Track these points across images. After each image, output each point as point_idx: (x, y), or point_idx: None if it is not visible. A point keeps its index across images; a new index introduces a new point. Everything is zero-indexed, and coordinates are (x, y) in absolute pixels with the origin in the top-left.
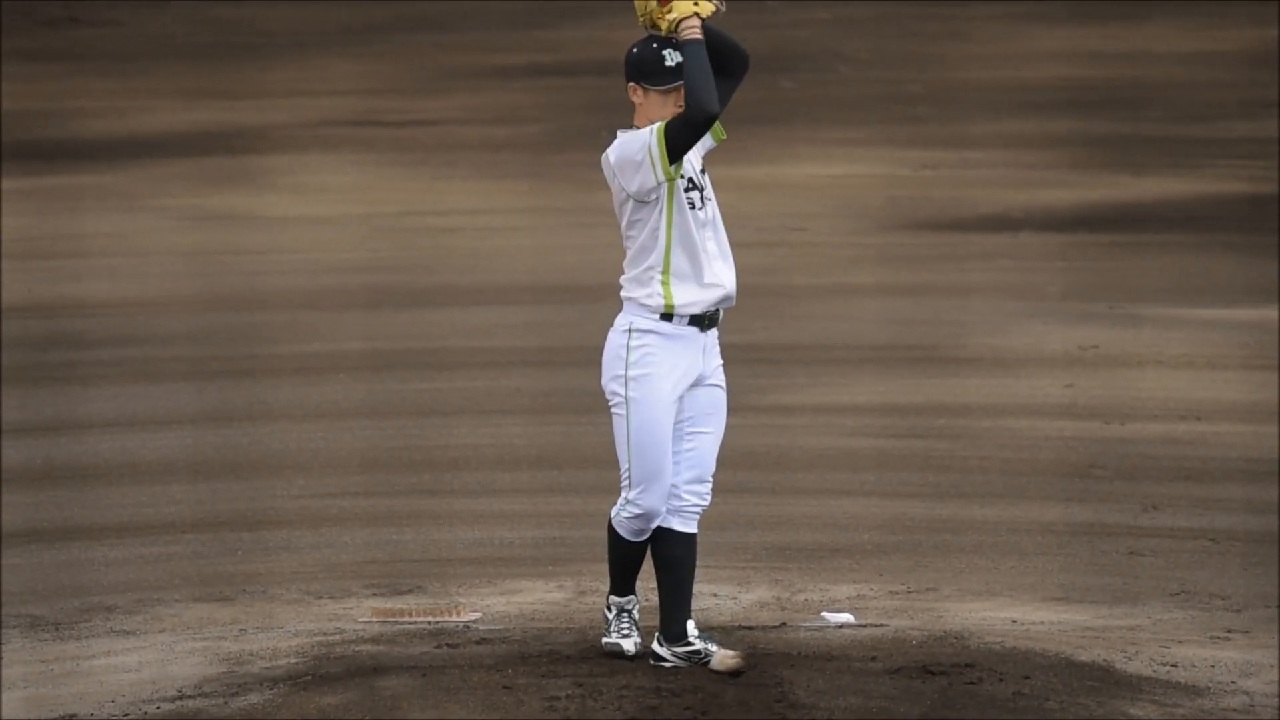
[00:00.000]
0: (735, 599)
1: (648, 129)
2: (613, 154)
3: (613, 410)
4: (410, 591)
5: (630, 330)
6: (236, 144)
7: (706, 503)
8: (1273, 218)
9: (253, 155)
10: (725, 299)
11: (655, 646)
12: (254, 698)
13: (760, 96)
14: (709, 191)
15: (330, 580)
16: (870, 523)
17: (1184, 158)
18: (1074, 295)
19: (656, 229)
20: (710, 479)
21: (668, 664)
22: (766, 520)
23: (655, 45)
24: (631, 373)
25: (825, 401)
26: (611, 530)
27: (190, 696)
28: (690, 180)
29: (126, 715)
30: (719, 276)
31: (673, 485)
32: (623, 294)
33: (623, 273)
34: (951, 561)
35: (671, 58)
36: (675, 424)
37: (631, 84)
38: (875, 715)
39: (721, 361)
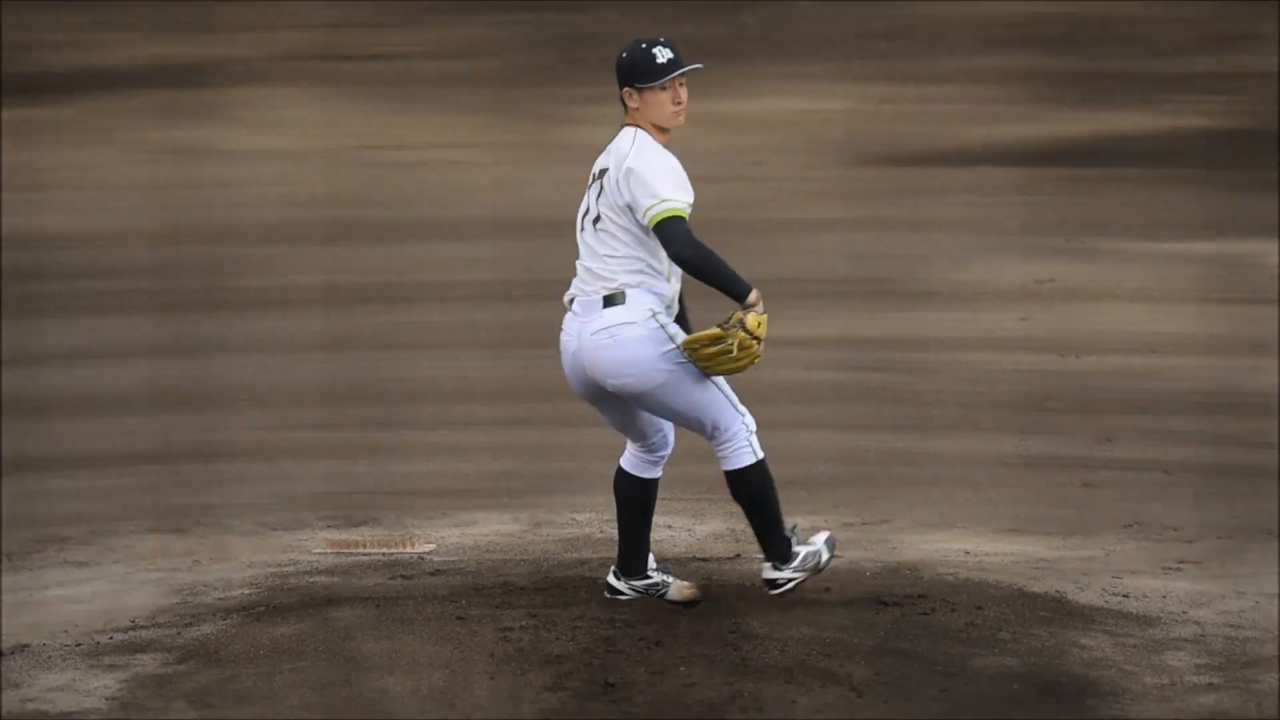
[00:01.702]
0: (690, 531)
1: (660, 199)
2: (634, 164)
3: (663, 385)
4: (365, 523)
5: (655, 315)
6: (197, 77)
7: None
8: (1229, 152)
9: (214, 89)
10: None
11: (612, 580)
12: (207, 628)
13: (721, 31)
14: None
15: (285, 512)
16: (826, 455)
17: (1143, 93)
18: (1032, 229)
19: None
20: None
21: (624, 596)
22: None
23: (644, 45)
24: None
25: (783, 335)
26: (750, 476)
27: (143, 627)
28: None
29: (79, 645)
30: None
31: (652, 437)
32: (624, 281)
33: (612, 259)
34: (906, 493)
35: (662, 54)
36: None
37: (626, 89)
38: (828, 646)
39: None
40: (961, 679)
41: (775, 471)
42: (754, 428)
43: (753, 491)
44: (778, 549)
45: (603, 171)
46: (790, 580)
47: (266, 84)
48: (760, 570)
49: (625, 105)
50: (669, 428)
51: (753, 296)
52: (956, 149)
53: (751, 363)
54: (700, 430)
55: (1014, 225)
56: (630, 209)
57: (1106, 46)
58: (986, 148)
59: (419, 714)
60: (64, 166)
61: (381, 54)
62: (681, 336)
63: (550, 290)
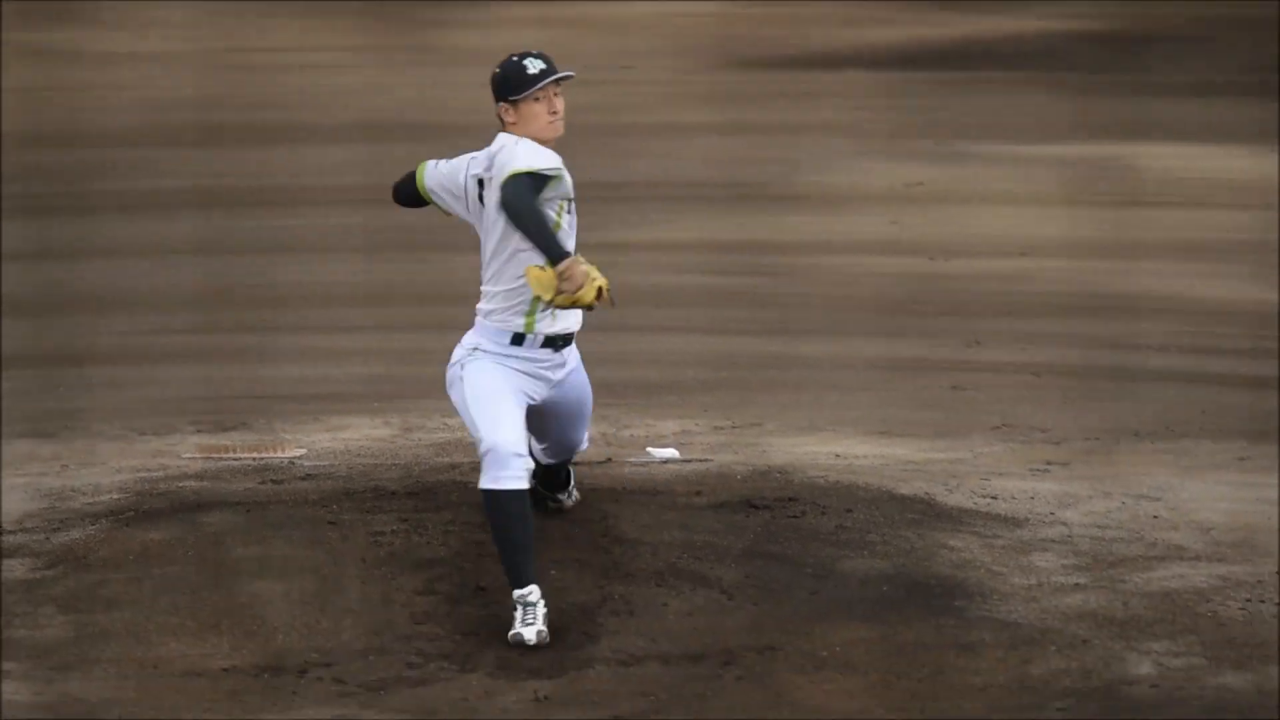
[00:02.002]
0: None
1: (514, 168)
2: (503, 155)
3: (452, 393)
4: (235, 428)
5: (473, 352)
6: None
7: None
8: (1098, 56)
9: None
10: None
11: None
12: (76, 533)
13: None
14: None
15: (154, 417)
16: (696, 359)
17: None
18: (900, 133)
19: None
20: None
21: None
22: (593, 357)
23: (515, 59)
24: (464, 360)
25: (652, 239)
26: (485, 500)
27: (11, 532)
28: (571, 203)
29: None
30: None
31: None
32: (478, 307)
33: (484, 285)
34: (776, 397)
35: (534, 65)
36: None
37: (502, 105)
38: (699, 549)
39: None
40: (831, 581)
41: (644, 375)
42: (501, 449)
43: (488, 518)
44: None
45: (481, 182)
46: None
47: None
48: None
49: (503, 121)
50: (551, 443)
51: (563, 265)
52: (825, 52)
53: (578, 297)
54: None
55: (883, 129)
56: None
57: None
58: (855, 51)
59: (290, 617)
60: None
61: None
62: (481, 374)
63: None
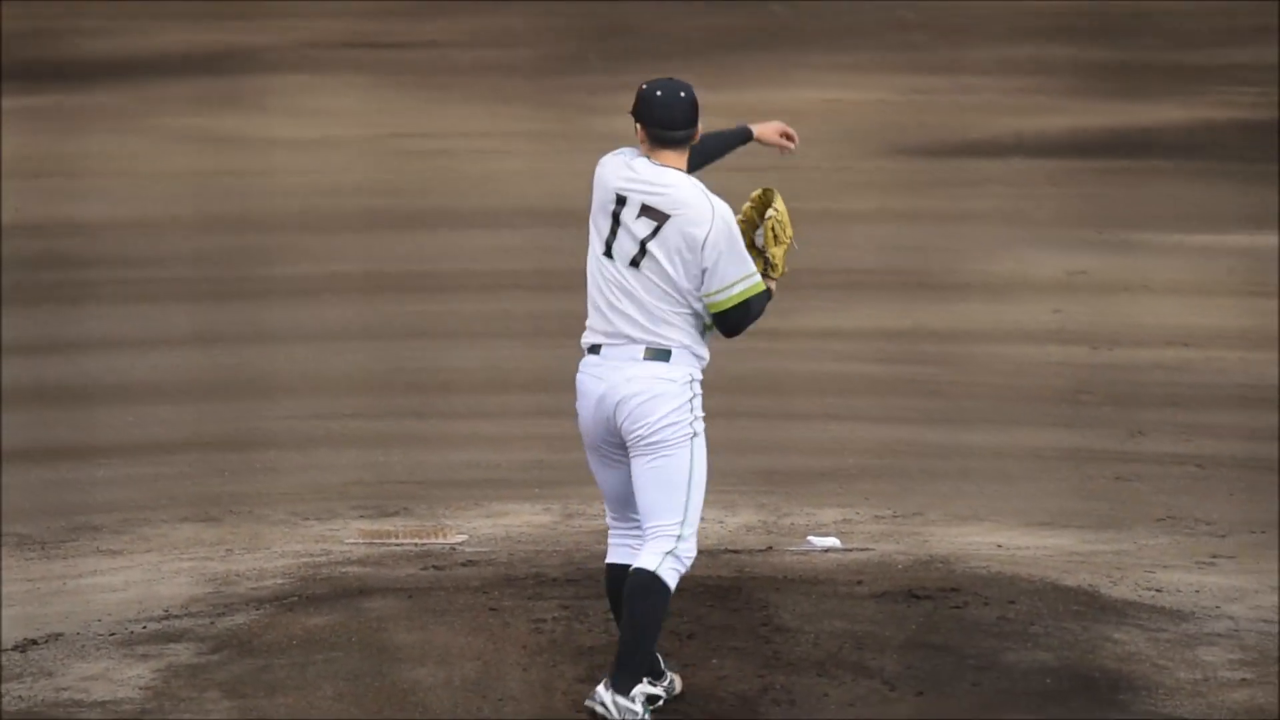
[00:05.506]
0: (722, 523)
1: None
2: (723, 236)
3: (670, 449)
4: (397, 514)
5: (693, 382)
6: (231, 65)
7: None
8: (1267, 145)
9: (247, 76)
10: None
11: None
12: (240, 618)
13: (752, 21)
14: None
15: (317, 502)
16: (858, 448)
17: (1179, 84)
18: (1065, 221)
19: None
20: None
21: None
22: (754, 445)
23: (651, 88)
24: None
25: (816, 326)
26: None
27: (176, 616)
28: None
29: (113, 634)
30: None
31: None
32: (671, 340)
33: (657, 320)
34: (938, 486)
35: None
36: None
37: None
38: (861, 639)
39: None
40: (994, 673)
41: (806, 463)
42: (694, 544)
43: (654, 605)
44: (628, 676)
45: (652, 210)
46: (607, 711)
47: (300, 72)
48: (599, 688)
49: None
50: None
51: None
52: (988, 140)
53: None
54: (667, 513)
55: (1046, 217)
56: (700, 276)
57: (1139, 38)
58: (1019, 139)
59: (451, 705)
60: (99, 154)
61: (415, 42)
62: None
63: (583, 280)
